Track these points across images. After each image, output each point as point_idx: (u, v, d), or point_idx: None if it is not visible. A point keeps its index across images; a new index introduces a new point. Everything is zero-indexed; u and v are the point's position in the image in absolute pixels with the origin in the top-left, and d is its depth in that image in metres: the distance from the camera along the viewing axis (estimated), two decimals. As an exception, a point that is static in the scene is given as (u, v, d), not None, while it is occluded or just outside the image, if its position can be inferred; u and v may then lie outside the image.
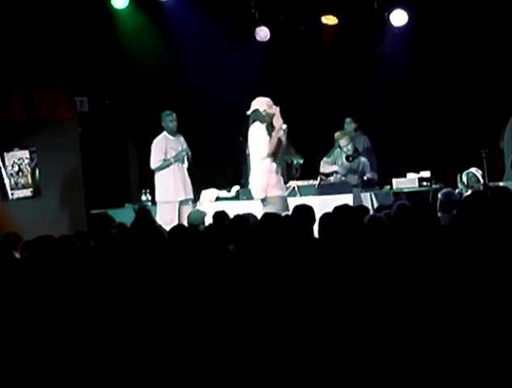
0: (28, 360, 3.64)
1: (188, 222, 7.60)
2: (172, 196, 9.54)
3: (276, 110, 8.34)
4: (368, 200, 9.13)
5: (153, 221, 7.58)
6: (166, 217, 9.24)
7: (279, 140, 8.27)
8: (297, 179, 10.26)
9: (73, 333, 3.73)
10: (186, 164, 9.70)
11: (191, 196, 9.66)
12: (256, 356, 3.43)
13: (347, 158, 10.02)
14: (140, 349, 3.59)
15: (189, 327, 3.64)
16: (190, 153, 9.70)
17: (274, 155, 8.30)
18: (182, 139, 9.75)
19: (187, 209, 9.25)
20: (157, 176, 9.64)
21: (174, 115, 9.64)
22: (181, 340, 3.58)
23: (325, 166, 10.24)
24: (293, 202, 8.97)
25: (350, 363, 3.35)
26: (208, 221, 7.46)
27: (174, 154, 9.57)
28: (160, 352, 3.55)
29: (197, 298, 3.82)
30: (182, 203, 9.54)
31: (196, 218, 7.50)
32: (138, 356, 3.55)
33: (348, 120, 10.87)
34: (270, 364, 3.40)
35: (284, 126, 8.28)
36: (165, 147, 9.57)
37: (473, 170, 9.98)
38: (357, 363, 3.34)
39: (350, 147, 9.99)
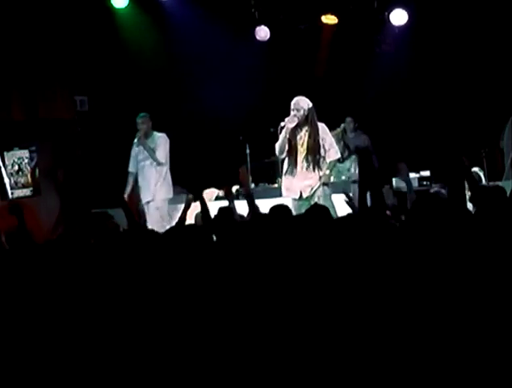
0: (27, 359, 3.64)
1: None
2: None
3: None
4: (368, 199, 9.10)
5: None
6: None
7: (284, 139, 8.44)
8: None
9: (72, 330, 3.73)
10: (152, 165, 9.37)
11: (146, 199, 9.35)
12: (254, 356, 3.42)
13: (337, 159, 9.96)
14: (138, 345, 3.58)
15: (186, 324, 3.63)
16: (154, 157, 9.32)
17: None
18: (154, 142, 9.38)
19: (148, 210, 9.18)
20: None
21: (143, 118, 9.35)
22: (178, 338, 3.58)
23: None
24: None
25: (349, 364, 3.33)
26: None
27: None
28: (157, 347, 3.54)
29: (190, 294, 3.81)
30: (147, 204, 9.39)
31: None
32: (135, 352, 3.55)
33: (348, 119, 10.89)
34: (268, 364, 3.40)
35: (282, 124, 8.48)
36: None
37: (475, 169, 9.96)
38: (356, 363, 3.33)
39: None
